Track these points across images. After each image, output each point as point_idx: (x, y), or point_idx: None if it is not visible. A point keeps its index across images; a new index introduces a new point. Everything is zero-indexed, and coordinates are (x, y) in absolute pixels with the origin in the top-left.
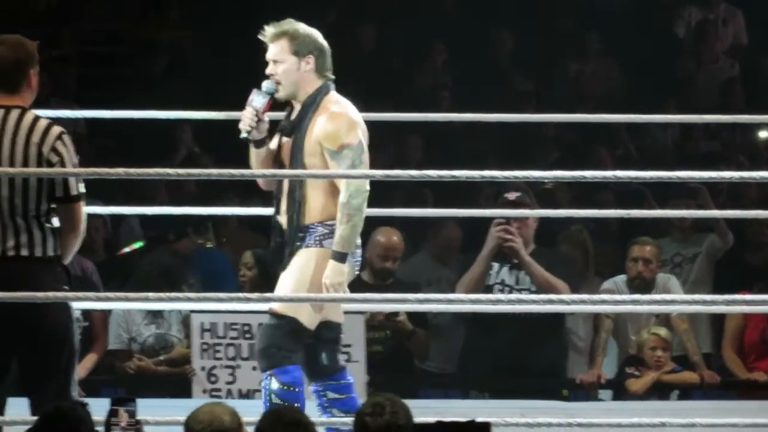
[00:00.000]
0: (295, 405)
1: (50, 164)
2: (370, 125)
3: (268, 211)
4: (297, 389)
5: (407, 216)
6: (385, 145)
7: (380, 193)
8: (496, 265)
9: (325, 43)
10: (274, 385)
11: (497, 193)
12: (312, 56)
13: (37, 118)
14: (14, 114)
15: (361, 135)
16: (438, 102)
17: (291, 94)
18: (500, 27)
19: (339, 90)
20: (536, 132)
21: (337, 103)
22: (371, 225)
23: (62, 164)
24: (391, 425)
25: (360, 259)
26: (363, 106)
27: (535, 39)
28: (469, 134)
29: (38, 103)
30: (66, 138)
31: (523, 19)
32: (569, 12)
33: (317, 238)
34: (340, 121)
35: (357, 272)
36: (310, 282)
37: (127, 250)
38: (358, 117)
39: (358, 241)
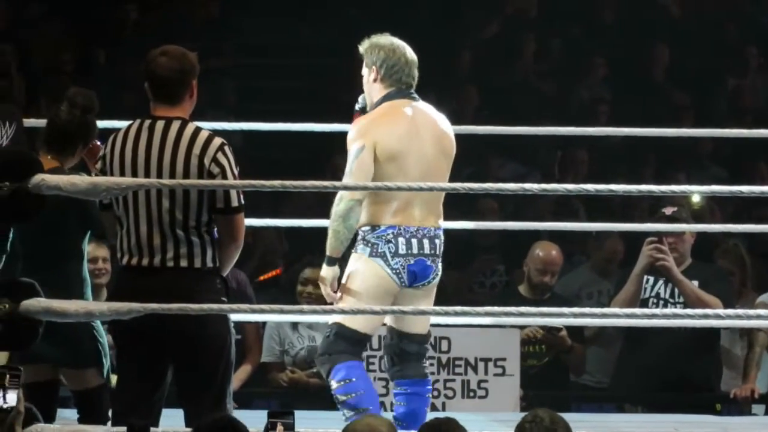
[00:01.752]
0: (359, 393)
1: (212, 175)
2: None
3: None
4: (353, 379)
5: (559, 230)
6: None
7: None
8: (651, 279)
9: (397, 52)
10: (333, 386)
11: (652, 208)
12: (376, 66)
13: (198, 129)
14: (175, 125)
15: (369, 141)
16: (597, 116)
17: (368, 104)
18: (657, 40)
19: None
20: (693, 146)
21: (379, 110)
22: (530, 238)
23: (224, 175)
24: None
25: (398, 267)
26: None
27: (693, 53)
28: (627, 148)
29: (195, 115)
30: (227, 149)
31: (681, 32)
32: (730, 25)
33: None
34: (353, 127)
35: (396, 280)
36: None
37: (264, 277)
38: (385, 124)
39: (400, 248)
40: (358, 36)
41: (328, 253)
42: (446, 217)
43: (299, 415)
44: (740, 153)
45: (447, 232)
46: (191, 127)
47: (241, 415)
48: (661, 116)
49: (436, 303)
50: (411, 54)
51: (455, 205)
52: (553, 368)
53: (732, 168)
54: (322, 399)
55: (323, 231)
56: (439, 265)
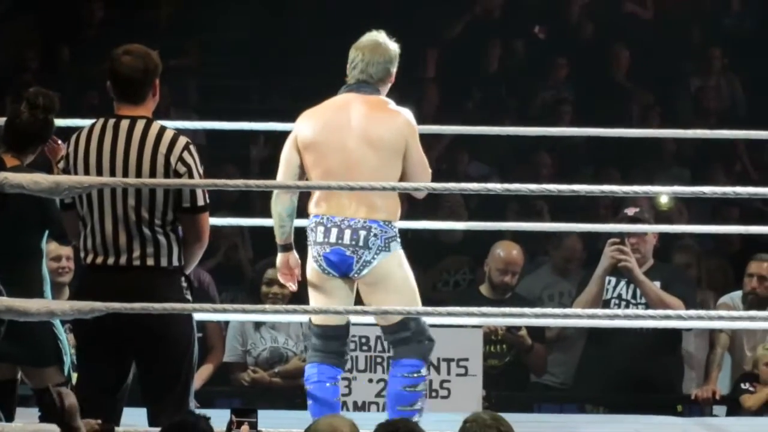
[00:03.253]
0: (313, 398)
1: (178, 175)
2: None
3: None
4: (309, 384)
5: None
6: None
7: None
8: (612, 280)
9: (360, 49)
10: None
11: (614, 208)
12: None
13: (163, 129)
14: (140, 124)
15: (293, 133)
16: (560, 116)
17: None
18: (620, 42)
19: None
20: (657, 147)
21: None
22: (491, 238)
23: (190, 175)
24: None
25: (316, 255)
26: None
27: (656, 54)
28: (589, 148)
29: (158, 113)
30: (192, 148)
31: (644, 33)
32: (693, 27)
33: None
34: None
35: (317, 267)
36: None
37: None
38: (308, 116)
39: (316, 237)
40: (324, 32)
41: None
42: (411, 216)
43: (261, 414)
44: (704, 154)
45: (411, 230)
46: (156, 126)
47: (210, 417)
48: (624, 117)
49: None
50: (377, 51)
51: (421, 204)
52: (515, 368)
53: (695, 168)
54: (284, 399)
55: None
56: (370, 257)
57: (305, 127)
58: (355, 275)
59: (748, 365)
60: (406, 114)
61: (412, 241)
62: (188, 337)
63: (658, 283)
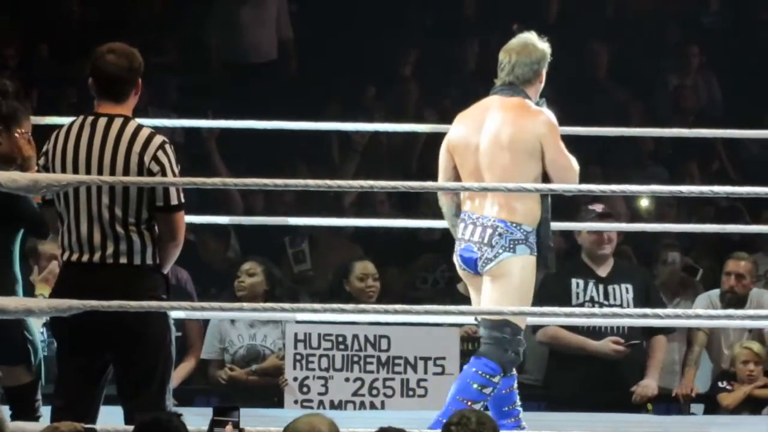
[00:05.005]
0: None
1: (151, 173)
2: None
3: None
4: None
5: None
6: None
7: None
8: (580, 282)
9: (504, 51)
10: None
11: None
12: None
13: (140, 127)
14: (117, 123)
15: (445, 140)
16: None
17: None
18: (597, 39)
19: None
20: (634, 146)
21: None
22: None
23: (163, 173)
24: None
25: (456, 250)
26: None
27: (635, 52)
28: (569, 146)
29: (137, 111)
30: (168, 147)
31: (623, 31)
32: (671, 25)
33: None
34: None
35: (457, 264)
36: None
37: None
38: (455, 121)
39: (458, 233)
40: (301, 32)
41: None
42: (389, 215)
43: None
44: (682, 153)
45: (390, 229)
46: (133, 124)
47: (182, 412)
48: (603, 115)
49: (380, 300)
50: (524, 52)
51: (399, 202)
52: None
53: (672, 168)
54: (261, 396)
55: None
56: (492, 254)
57: (453, 129)
58: (480, 271)
59: (726, 363)
60: (544, 115)
61: (390, 239)
62: (163, 335)
63: (630, 287)
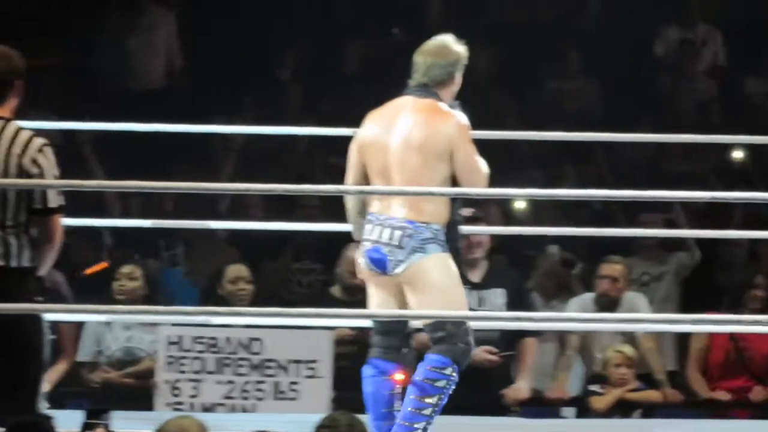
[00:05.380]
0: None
1: (30, 176)
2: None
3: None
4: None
5: None
6: None
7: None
8: None
9: (419, 52)
10: None
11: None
12: None
13: (19, 130)
14: None
15: (354, 139)
16: None
17: None
18: (478, 43)
19: None
20: (513, 149)
21: None
22: (343, 241)
23: (42, 176)
24: None
25: (363, 251)
26: None
27: (514, 56)
28: None
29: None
30: (47, 150)
31: (502, 35)
32: (548, 29)
33: None
34: None
35: (364, 264)
36: None
37: (90, 271)
38: (366, 120)
39: (365, 234)
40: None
41: None
42: (267, 218)
43: (113, 415)
44: (559, 156)
45: (265, 233)
46: (13, 126)
47: (55, 415)
48: (481, 118)
49: (254, 303)
50: (439, 54)
51: (277, 204)
52: None
53: (552, 172)
54: (135, 399)
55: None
56: (403, 256)
57: (364, 128)
58: (391, 273)
59: (598, 367)
60: (455, 118)
61: (266, 241)
62: (37, 338)
63: (503, 291)
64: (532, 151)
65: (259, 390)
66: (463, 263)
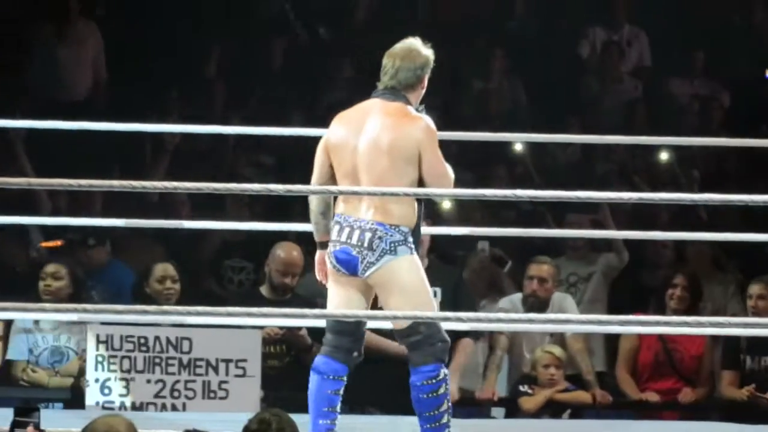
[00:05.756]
0: None
1: None
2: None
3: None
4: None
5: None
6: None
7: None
8: None
9: (388, 55)
10: None
11: None
12: None
13: None
14: None
15: (322, 140)
16: None
17: None
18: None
19: None
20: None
21: None
22: (271, 240)
23: None
24: None
25: (330, 251)
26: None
27: (439, 56)
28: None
29: None
30: None
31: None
32: (474, 30)
33: None
34: None
35: (329, 264)
36: None
37: (46, 245)
38: (334, 121)
39: (332, 235)
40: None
41: None
42: (196, 216)
43: (42, 413)
44: (486, 157)
45: (194, 231)
46: None
47: None
48: None
49: (182, 302)
50: (408, 57)
51: (207, 204)
52: (295, 368)
53: (479, 172)
54: (62, 398)
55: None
56: (374, 258)
57: (332, 129)
58: (362, 275)
59: (527, 367)
60: (423, 122)
61: (196, 240)
62: None
63: (438, 290)
64: (459, 152)
65: (189, 389)
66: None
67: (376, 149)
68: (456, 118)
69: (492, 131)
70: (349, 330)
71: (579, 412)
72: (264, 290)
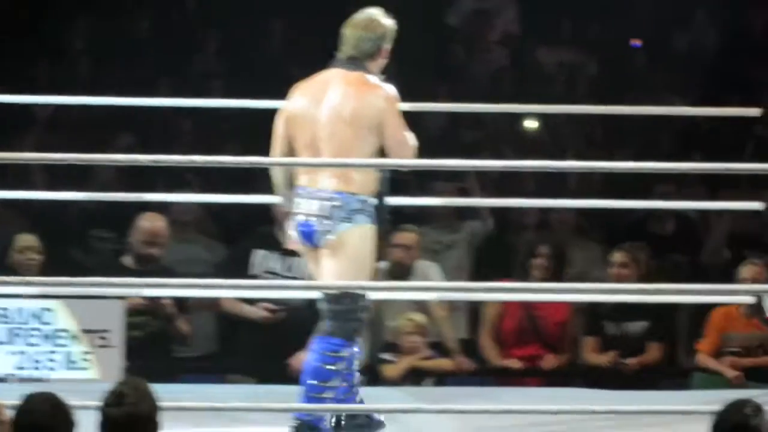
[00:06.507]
0: None
1: None
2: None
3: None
4: None
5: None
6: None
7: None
8: (262, 252)
9: (347, 24)
10: None
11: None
12: None
13: None
14: None
15: (281, 110)
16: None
17: None
18: (273, 14)
19: None
20: None
21: None
22: (137, 210)
23: None
24: (132, 416)
25: (295, 225)
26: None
27: (310, 27)
28: (242, 121)
29: None
30: None
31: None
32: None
33: None
34: None
35: (297, 237)
36: None
37: None
38: (293, 91)
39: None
40: None
41: None
42: (59, 188)
43: None
44: None
45: (61, 202)
46: None
47: None
48: (278, 89)
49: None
50: (368, 27)
51: (71, 176)
52: (158, 339)
53: None
54: None
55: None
56: (331, 227)
57: (292, 100)
58: (318, 245)
59: (390, 335)
60: (384, 90)
61: (60, 211)
62: None
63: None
64: None
65: (52, 360)
66: (387, 229)
67: (339, 119)
68: None
69: None
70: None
71: (442, 379)
72: (128, 260)
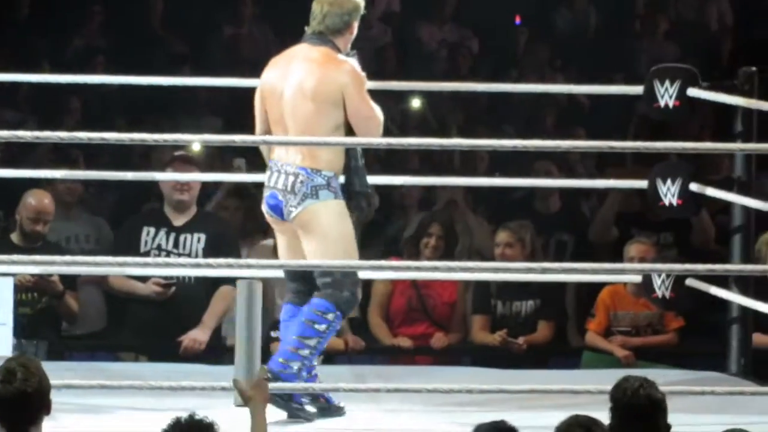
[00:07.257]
0: None
1: None
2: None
3: None
4: None
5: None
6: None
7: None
8: (152, 230)
9: (316, 1)
10: None
11: (147, 157)
12: None
13: None
14: None
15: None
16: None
17: None
18: None
19: None
20: (191, 96)
21: None
22: (23, 188)
23: None
24: (22, 393)
25: (264, 197)
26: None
27: (190, 2)
28: (123, 97)
29: None
30: None
31: None
32: None
33: None
34: None
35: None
36: None
37: None
38: (266, 67)
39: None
40: None
41: None
42: None
43: None
44: (236, 103)
45: None
46: None
47: None
48: (159, 65)
49: None
50: (336, 2)
51: None
52: (47, 316)
53: (228, 118)
54: None
55: None
56: (295, 202)
57: (264, 75)
58: (288, 219)
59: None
60: (348, 65)
61: None
62: None
63: (203, 236)
64: (209, 98)
65: None
66: (364, 204)
67: (301, 94)
68: (207, 63)
69: (243, 77)
70: (302, 274)
71: (331, 358)
72: (15, 237)
